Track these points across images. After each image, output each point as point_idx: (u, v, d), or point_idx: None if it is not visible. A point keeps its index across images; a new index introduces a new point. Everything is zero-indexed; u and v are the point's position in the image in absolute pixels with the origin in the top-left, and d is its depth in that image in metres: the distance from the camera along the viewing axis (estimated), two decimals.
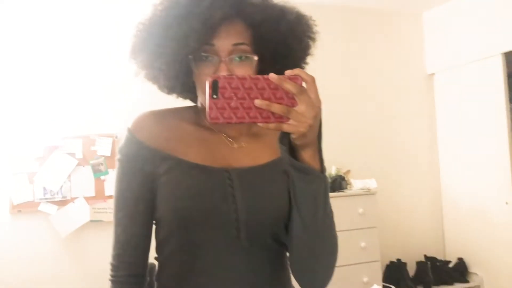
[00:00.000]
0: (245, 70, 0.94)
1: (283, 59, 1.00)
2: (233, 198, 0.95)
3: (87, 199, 3.15)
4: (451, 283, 3.70)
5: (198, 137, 1.01)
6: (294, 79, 0.77)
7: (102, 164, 3.19)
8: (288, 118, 0.78)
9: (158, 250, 1.02)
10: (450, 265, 3.84)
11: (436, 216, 4.14)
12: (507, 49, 3.48)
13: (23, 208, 3.04)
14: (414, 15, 4.22)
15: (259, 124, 0.78)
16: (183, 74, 0.98)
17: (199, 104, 1.05)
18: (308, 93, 0.78)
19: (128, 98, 3.17)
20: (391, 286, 3.42)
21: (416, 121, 4.16)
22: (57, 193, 3.10)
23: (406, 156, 4.09)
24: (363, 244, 3.28)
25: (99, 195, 3.18)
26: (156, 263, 1.04)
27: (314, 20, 1.03)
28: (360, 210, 3.31)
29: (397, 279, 3.56)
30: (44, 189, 3.08)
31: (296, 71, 0.78)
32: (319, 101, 0.79)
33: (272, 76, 0.77)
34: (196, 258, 0.96)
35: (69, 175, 3.14)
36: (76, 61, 3.20)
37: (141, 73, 1.02)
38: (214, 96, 0.76)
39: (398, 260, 3.70)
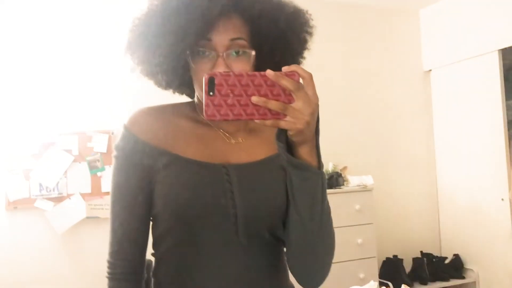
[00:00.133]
0: (242, 65, 0.94)
1: (281, 53, 1.00)
2: (231, 193, 0.95)
3: (84, 195, 3.14)
4: (447, 279, 3.72)
5: (195, 133, 1.01)
6: (291, 75, 0.77)
7: (98, 160, 3.18)
8: (285, 115, 0.77)
9: (155, 246, 1.02)
10: (446, 261, 3.85)
11: (432, 213, 4.15)
12: (504, 46, 3.49)
13: (19, 205, 3.03)
14: (410, 12, 4.22)
15: (256, 121, 0.78)
16: (180, 69, 0.97)
17: (196, 100, 1.05)
18: (305, 89, 0.78)
19: (124, 95, 3.16)
20: (388, 282, 3.43)
21: (413, 118, 4.17)
22: (53, 189, 3.09)
23: (403, 153, 4.10)
24: (359, 241, 3.29)
25: (96, 191, 3.17)
26: (153, 259, 1.04)
27: (310, 14, 1.02)
28: (357, 207, 3.32)
29: (393, 275, 3.58)
30: (40, 185, 3.07)
31: (293, 67, 0.78)
32: (316, 97, 0.79)
33: (269, 72, 0.76)
34: (194, 253, 0.96)
35: (65, 172, 3.12)
36: (73, 57, 3.18)
37: (137, 69, 1.02)
38: (211, 93, 0.76)
39: (395, 256, 3.71)
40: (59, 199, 3.10)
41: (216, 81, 0.76)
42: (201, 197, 0.94)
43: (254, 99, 0.76)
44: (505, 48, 3.50)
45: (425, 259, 3.77)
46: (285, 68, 0.78)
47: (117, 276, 0.99)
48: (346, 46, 3.96)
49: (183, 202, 0.93)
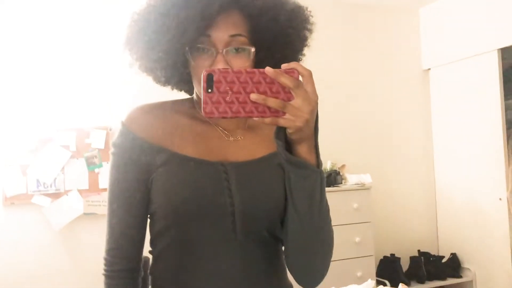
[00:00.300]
0: (242, 61, 0.93)
1: (281, 51, 0.99)
2: (229, 191, 0.94)
3: (81, 191, 3.14)
4: (444, 278, 3.72)
5: (193, 130, 1.00)
6: (290, 72, 0.76)
7: (96, 156, 3.17)
8: (284, 113, 0.77)
9: (152, 243, 1.02)
10: (443, 261, 3.86)
11: (430, 212, 4.16)
12: (503, 45, 3.49)
13: (16, 201, 3.02)
14: (410, 10, 4.22)
15: (254, 118, 0.77)
16: (180, 65, 0.97)
17: (195, 96, 1.04)
18: (304, 87, 0.77)
19: (123, 91, 3.16)
20: (385, 280, 3.43)
21: (412, 117, 4.17)
22: (51, 185, 3.08)
23: (401, 152, 4.10)
24: (357, 239, 3.30)
25: (93, 188, 3.16)
26: (150, 256, 1.03)
27: (310, 11, 1.02)
28: (355, 205, 3.32)
29: (390, 273, 3.58)
30: (38, 181, 3.06)
31: (292, 64, 0.77)
32: (316, 95, 0.78)
33: (268, 70, 0.76)
34: (191, 251, 0.96)
35: (63, 168, 3.12)
36: (71, 53, 3.17)
37: (136, 64, 1.01)
38: (209, 90, 0.75)
39: (392, 255, 3.71)
40: (56, 195, 3.09)
41: (214, 78, 0.75)
42: (199, 194, 0.93)
43: (253, 96, 0.75)
44: (505, 48, 3.50)
45: (422, 258, 3.77)
46: (284, 66, 0.77)
47: (114, 274, 0.99)
48: (345, 44, 3.95)
49: (181, 200, 0.93)
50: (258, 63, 0.96)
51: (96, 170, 3.17)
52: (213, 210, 0.94)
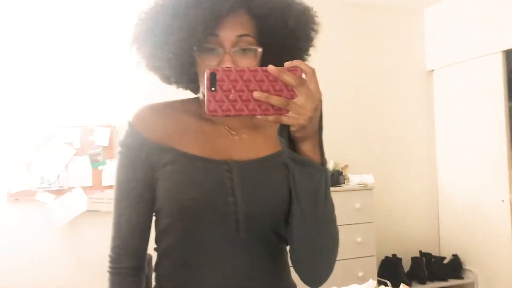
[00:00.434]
0: (249, 61, 0.94)
1: (288, 51, 0.99)
2: (232, 190, 0.94)
3: (84, 189, 3.15)
4: (445, 279, 3.71)
5: (198, 129, 1.01)
6: (293, 70, 0.76)
7: (100, 154, 3.18)
8: (287, 111, 0.76)
9: (157, 241, 1.02)
10: (445, 262, 3.85)
11: (432, 213, 4.15)
12: (507, 47, 3.48)
13: (20, 197, 3.04)
14: (414, 11, 4.21)
15: (258, 116, 0.77)
16: (187, 65, 0.97)
17: (200, 96, 1.04)
18: (307, 84, 0.77)
19: (127, 89, 3.16)
20: (386, 281, 3.43)
21: (415, 117, 4.16)
22: (54, 182, 3.09)
23: (404, 152, 4.09)
24: (359, 239, 3.29)
25: (97, 185, 3.17)
26: (154, 254, 1.04)
27: (316, 12, 1.02)
28: (357, 205, 3.32)
29: (392, 274, 3.58)
30: (41, 178, 3.07)
31: (295, 62, 0.77)
32: (319, 93, 0.78)
33: (271, 68, 0.75)
34: (195, 249, 0.96)
35: (67, 165, 3.13)
36: (75, 51, 3.18)
37: (143, 63, 1.01)
38: (213, 89, 0.75)
39: (394, 255, 3.71)
40: (60, 192, 3.10)
41: (217, 77, 0.75)
42: (203, 193, 0.94)
43: (256, 94, 0.75)
44: (509, 50, 3.49)
45: (424, 258, 3.77)
46: (287, 63, 0.77)
47: (119, 271, 0.99)
48: (350, 45, 3.95)
49: (186, 198, 0.93)
50: (265, 63, 0.96)
51: (100, 167, 3.18)
52: (216, 208, 0.94)
